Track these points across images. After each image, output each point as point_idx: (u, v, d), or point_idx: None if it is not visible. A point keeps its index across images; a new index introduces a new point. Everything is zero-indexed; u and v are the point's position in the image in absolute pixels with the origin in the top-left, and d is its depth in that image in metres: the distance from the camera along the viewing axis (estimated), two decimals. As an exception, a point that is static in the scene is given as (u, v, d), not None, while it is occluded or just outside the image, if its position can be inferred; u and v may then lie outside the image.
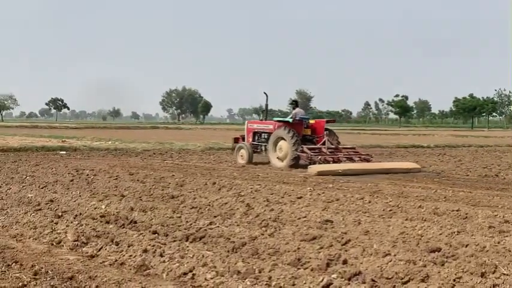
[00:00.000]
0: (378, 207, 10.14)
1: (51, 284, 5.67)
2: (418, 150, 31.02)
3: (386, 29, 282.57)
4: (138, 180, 14.23)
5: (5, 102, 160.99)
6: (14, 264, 6.37)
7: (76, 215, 9.10)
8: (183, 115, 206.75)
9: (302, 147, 19.30)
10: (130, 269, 6.31)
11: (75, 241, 7.35)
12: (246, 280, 5.73)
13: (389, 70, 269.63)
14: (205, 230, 7.98)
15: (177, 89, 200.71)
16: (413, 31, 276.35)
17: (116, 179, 14.42)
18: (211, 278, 5.87)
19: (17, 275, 5.95)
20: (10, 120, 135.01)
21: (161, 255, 6.65)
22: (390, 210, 9.88)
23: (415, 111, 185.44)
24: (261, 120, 22.78)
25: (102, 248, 7.07)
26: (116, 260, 6.61)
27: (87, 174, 15.25)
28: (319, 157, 18.73)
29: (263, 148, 20.97)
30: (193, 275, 6.02)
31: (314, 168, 17.32)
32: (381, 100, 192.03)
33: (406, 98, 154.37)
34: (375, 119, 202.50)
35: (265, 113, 22.77)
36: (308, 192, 12.03)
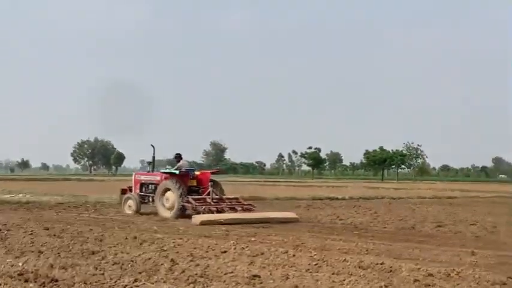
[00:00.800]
0: (304, 261, 10.16)
1: None
2: (334, 202, 31.40)
3: (296, 83, 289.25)
4: (54, 235, 13.76)
5: None
6: None
7: None
8: (95, 166, 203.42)
9: (187, 197, 20.04)
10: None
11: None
12: None
13: (302, 121, 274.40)
14: (131, 287, 7.76)
15: (89, 139, 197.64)
16: (325, 84, 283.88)
17: (31, 234, 13.90)
18: None
19: None
20: None
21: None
22: (316, 264, 9.91)
23: (327, 163, 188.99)
24: (148, 171, 23.24)
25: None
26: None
27: (0, 230, 14.63)
28: (204, 207, 19.51)
29: (150, 199, 21.69)
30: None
31: (198, 218, 18.00)
32: (294, 152, 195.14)
33: (319, 150, 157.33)
34: (288, 171, 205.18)
35: (152, 164, 23.20)
36: (232, 246, 11.94)
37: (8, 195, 30.83)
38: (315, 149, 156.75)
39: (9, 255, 10.38)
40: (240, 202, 21.23)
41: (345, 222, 19.02)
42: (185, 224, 17.32)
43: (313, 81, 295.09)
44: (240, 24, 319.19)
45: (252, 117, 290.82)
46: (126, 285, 7.90)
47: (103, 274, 8.72)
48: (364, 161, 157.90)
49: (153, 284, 8.07)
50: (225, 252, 11.19)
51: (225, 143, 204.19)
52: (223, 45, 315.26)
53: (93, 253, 10.85)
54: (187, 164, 22.46)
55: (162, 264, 9.70)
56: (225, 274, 8.87)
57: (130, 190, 22.88)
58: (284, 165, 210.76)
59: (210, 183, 21.03)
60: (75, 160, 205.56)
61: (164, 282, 8.23)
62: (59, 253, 10.82)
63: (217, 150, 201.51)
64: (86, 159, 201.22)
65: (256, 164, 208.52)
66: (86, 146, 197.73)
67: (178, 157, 22.29)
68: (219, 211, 19.50)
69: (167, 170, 21.96)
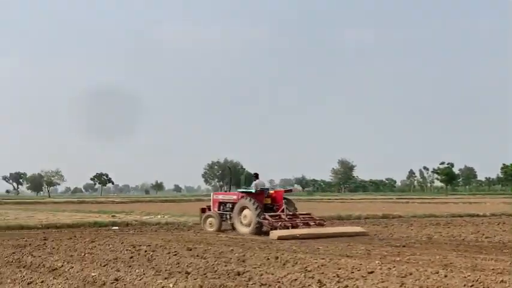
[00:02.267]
0: (458, 283, 9.63)
1: None
2: (475, 219, 30.14)
3: (425, 96, 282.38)
4: (198, 255, 13.95)
5: (52, 178, 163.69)
6: None
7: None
8: (226, 187, 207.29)
9: (264, 214, 21.41)
10: None
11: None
12: None
13: (433, 137, 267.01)
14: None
15: (219, 161, 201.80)
16: (457, 95, 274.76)
17: (176, 254, 14.18)
18: None
19: None
20: (56, 196, 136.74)
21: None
22: (472, 286, 9.37)
23: (460, 179, 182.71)
24: (226, 191, 24.86)
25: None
26: None
27: (145, 251, 15.03)
28: (279, 223, 20.96)
29: (228, 216, 23.07)
30: None
31: (275, 234, 19.42)
32: (426, 168, 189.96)
33: (452, 165, 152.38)
34: (420, 187, 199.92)
35: (229, 185, 25.47)
36: (378, 266, 11.57)
37: (147, 217, 31.86)
38: (448, 164, 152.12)
39: (158, 277, 10.56)
40: (312, 218, 22.67)
41: (492, 240, 18.07)
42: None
43: (443, 92, 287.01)
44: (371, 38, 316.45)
45: (380, 133, 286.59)
46: (277, 307, 7.77)
47: (252, 296, 8.67)
48: (501, 176, 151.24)
49: (304, 305, 7.90)
50: (371, 272, 10.84)
51: (353, 161, 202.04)
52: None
53: (238, 274, 10.84)
54: (263, 183, 23.50)
55: (309, 285, 9.54)
56: (377, 296, 8.56)
57: (209, 209, 24.16)
58: (415, 182, 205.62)
59: (284, 201, 22.38)
60: (206, 181, 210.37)
61: (315, 304, 8.04)
62: (205, 274, 10.90)
63: (346, 168, 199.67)
64: (216, 180, 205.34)
65: (386, 181, 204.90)
66: (216, 167, 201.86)
67: (255, 176, 23.54)
68: (293, 226, 20.96)
69: (243, 189, 23.37)
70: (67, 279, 10.56)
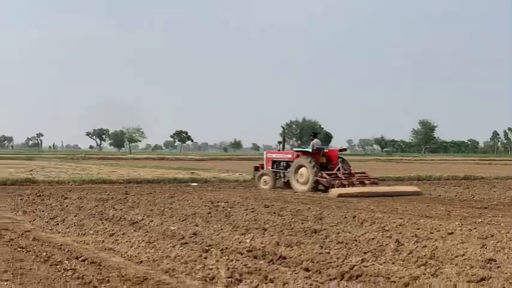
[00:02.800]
0: (542, 245, 9.34)
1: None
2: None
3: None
4: (275, 213, 14.01)
5: (133, 135, 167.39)
6: (171, 301, 6.23)
7: (223, 249, 8.94)
8: (304, 146, 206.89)
9: (321, 173, 22.18)
10: (292, 309, 6.01)
11: (229, 278, 7.14)
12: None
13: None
14: (360, 267, 7.56)
15: (297, 120, 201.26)
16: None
17: (253, 211, 14.28)
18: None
19: (178, 312, 5.79)
20: (137, 153, 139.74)
21: (322, 295, 6.32)
22: (557, 249, 9.06)
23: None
24: (279, 150, 25.35)
25: (257, 286, 6.82)
26: (275, 299, 6.34)
27: (223, 207, 15.20)
28: (337, 181, 21.62)
29: (281, 174, 23.72)
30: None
31: (335, 191, 20.09)
32: (510, 129, 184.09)
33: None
34: (504, 149, 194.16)
35: (283, 144, 25.58)
36: (458, 228, 11.32)
37: (225, 174, 32.20)
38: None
39: (235, 232, 10.67)
40: (367, 176, 23.55)
41: None
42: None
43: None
44: None
45: (463, 93, 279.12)
46: (354, 265, 7.71)
47: (329, 253, 8.63)
48: None
49: (381, 264, 7.82)
50: (451, 233, 10.61)
51: (435, 121, 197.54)
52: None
53: (315, 232, 10.82)
54: (320, 142, 24.07)
55: (387, 244, 9.42)
56: (456, 257, 8.37)
57: (262, 167, 24.87)
58: (499, 143, 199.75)
59: (339, 160, 23.14)
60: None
61: (393, 263, 7.93)
62: (282, 231, 10.93)
63: (427, 129, 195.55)
64: (294, 139, 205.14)
65: (468, 142, 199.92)
66: (294, 126, 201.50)
67: (313, 135, 24.57)
68: (349, 185, 21.65)
69: (301, 149, 24.19)
70: (147, 232, 10.81)
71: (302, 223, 12.05)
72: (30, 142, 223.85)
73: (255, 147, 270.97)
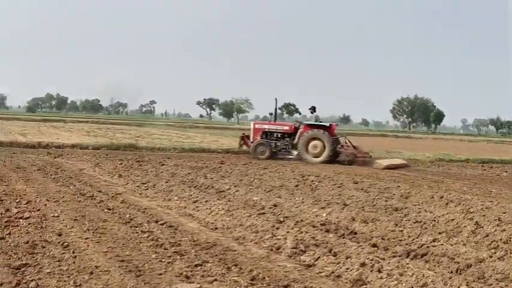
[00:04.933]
0: None
1: (267, 290, 5.66)
2: None
3: None
4: (362, 189, 14.00)
5: (241, 105, 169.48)
6: (233, 267, 6.47)
7: (297, 221, 9.12)
8: (414, 124, 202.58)
9: (342, 145, 23.72)
10: (346, 283, 6.13)
11: (293, 248, 7.34)
12: (469, 307, 5.27)
13: None
14: (428, 247, 7.55)
15: (408, 97, 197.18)
16: None
17: (340, 186, 14.33)
18: (431, 301, 5.50)
19: (235, 278, 6.03)
20: (245, 123, 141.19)
21: (379, 271, 6.39)
22: None
23: None
24: (269, 121, 26.23)
25: (319, 257, 6.98)
26: (333, 272, 6.47)
27: (312, 181, 15.33)
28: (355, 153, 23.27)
29: (272, 145, 24.29)
30: (412, 295, 5.70)
31: (381, 163, 21.91)
32: None
33: None
34: None
35: (275, 115, 26.13)
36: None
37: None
38: None
39: (315, 206, 10.80)
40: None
41: None
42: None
43: None
44: None
45: None
46: (423, 244, 7.70)
47: (402, 231, 8.63)
48: None
49: (452, 245, 7.76)
50: (538, 220, 10.29)
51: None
52: None
53: (396, 210, 10.78)
54: (319, 116, 25.18)
55: (465, 226, 9.26)
56: (533, 243, 8.16)
57: (248, 138, 25.12)
58: None
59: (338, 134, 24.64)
60: (394, 117, 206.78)
61: (464, 244, 7.85)
62: (363, 207, 10.96)
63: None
64: (405, 116, 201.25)
65: None
66: (405, 103, 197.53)
67: (313, 109, 24.97)
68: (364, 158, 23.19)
69: (315, 123, 24.42)
70: (229, 200, 11.14)
71: (386, 200, 11.99)
72: (144, 109, 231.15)
73: (365, 122, 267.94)
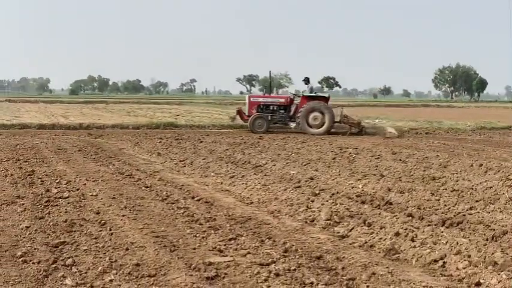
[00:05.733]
0: None
1: (299, 262, 5.69)
2: None
3: None
4: (400, 159, 13.93)
5: (281, 80, 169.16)
6: (267, 240, 6.52)
7: (333, 194, 9.13)
8: (457, 93, 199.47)
9: (346, 115, 24.38)
10: (379, 252, 6.14)
11: (327, 220, 7.36)
12: (502, 273, 5.23)
13: None
14: (464, 215, 7.50)
15: (450, 66, 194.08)
16: None
17: (378, 158, 14.28)
18: (464, 268, 5.48)
19: (268, 251, 6.08)
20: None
21: (412, 240, 6.38)
22: None
23: None
24: (264, 94, 25.79)
25: (353, 228, 7.00)
26: (366, 242, 6.48)
27: (350, 153, 15.29)
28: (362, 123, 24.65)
29: (269, 117, 24.15)
30: (444, 263, 5.69)
31: (393, 132, 22.51)
32: None
33: None
34: None
35: (269, 88, 26.52)
36: None
37: (365, 120, 31.99)
38: None
39: (352, 178, 10.79)
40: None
41: None
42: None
43: None
44: None
45: None
46: (460, 212, 7.65)
47: (438, 200, 8.58)
48: None
49: (488, 213, 7.68)
50: None
51: None
52: None
53: (433, 179, 10.70)
54: (313, 88, 25.64)
55: (503, 193, 9.15)
56: None
57: (243, 112, 24.77)
58: None
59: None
60: (436, 86, 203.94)
61: (501, 211, 7.77)
62: (399, 177, 10.92)
63: None
64: (447, 85, 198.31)
65: None
66: (447, 71, 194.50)
67: (307, 81, 25.02)
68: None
69: (315, 95, 24.93)
70: (265, 175, 11.20)
71: (424, 170, 11.92)
72: (184, 88, 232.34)
73: (406, 93, 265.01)
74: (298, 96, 24.95)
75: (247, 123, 24.25)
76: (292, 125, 24.19)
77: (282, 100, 25.03)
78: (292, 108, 24.50)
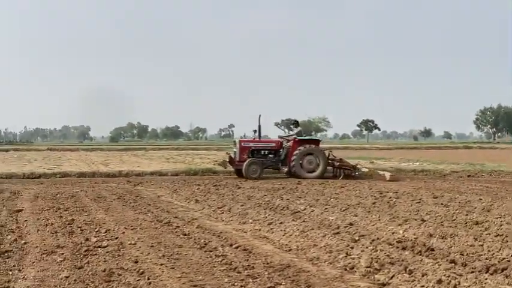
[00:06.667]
0: None
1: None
2: None
3: None
4: (441, 204, 13.68)
5: (319, 124, 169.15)
6: (306, 288, 6.42)
7: (373, 240, 8.98)
8: (499, 134, 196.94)
9: (341, 159, 24.42)
10: (421, 301, 5.98)
11: (367, 267, 7.23)
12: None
13: None
14: (509, 261, 7.28)
15: (492, 106, 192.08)
16: None
17: (419, 202, 14.06)
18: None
19: (308, 299, 5.97)
20: (324, 142, 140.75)
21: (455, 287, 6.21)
22: None
23: None
24: (254, 138, 24.79)
25: (394, 276, 6.85)
26: (407, 290, 6.33)
27: (390, 197, 15.10)
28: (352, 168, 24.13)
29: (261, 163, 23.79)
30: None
31: (387, 175, 22.40)
32: None
33: None
34: None
35: (259, 132, 24.79)
36: None
37: (405, 164, 31.72)
38: None
39: (392, 223, 10.62)
40: None
41: None
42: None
43: None
44: None
45: None
46: (504, 258, 7.44)
47: (482, 245, 8.37)
48: None
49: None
50: None
51: None
52: None
53: (476, 223, 10.46)
54: (302, 131, 25.16)
55: (549, 238, 8.91)
56: None
57: (234, 157, 24.15)
58: None
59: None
60: (478, 128, 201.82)
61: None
62: (441, 222, 10.71)
63: None
64: (489, 126, 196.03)
65: None
66: (489, 112, 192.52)
67: (296, 124, 25.63)
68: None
69: (310, 138, 25.37)
70: (304, 221, 11.09)
71: (466, 214, 11.68)
72: (223, 133, 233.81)
73: (447, 135, 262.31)
74: (287, 140, 24.59)
75: (236, 168, 23.97)
76: (285, 169, 23.86)
77: (273, 144, 24.64)
78: (282, 152, 24.18)
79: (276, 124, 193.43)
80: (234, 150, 24.31)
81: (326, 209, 12.86)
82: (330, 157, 24.17)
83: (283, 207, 13.15)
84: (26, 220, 11.46)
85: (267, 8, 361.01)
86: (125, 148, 68.27)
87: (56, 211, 12.83)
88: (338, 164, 24.22)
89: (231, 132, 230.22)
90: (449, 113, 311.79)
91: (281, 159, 24.07)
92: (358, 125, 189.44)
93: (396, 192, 16.29)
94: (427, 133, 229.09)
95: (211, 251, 8.41)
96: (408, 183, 20.32)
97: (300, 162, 23.34)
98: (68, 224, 10.87)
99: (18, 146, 74.38)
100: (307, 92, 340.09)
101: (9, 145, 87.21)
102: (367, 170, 24.13)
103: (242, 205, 13.66)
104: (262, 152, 24.22)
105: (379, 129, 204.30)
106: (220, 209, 13.12)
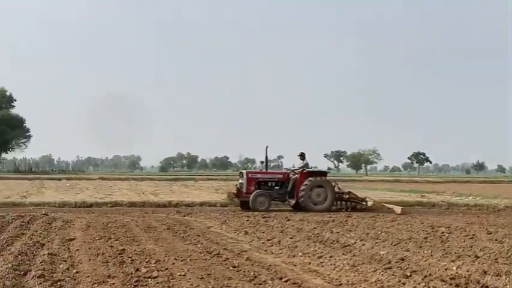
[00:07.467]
0: None
1: None
2: None
3: None
4: (496, 240, 13.38)
5: (369, 156, 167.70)
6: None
7: (425, 276, 8.81)
8: (261, 166, 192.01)
9: (350, 191, 24.57)
10: None
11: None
12: None
13: None
14: None
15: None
16: None
17: (472, 238, 13.77)
18: None
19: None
20: (373, 175, 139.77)
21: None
22: None
23: None
24: (261, 170, 25.43)
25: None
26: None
27: (442, 232, 14.84)
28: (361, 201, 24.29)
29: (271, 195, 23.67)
30: None
31: (398, 209, 22.40)
32: None
33: None
34: None
35: (266, 163, 25.06)
36: None
37: (457, 198, 31.18)
38: None
39: (445, 259, 10.43)
40: None
41: None
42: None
43: None
44: None
45: None
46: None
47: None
48: None
49: None
50: None
51: None
52: None
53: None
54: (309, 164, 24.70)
55: None
56: None
57: (240, 189, 23.93)
58: None
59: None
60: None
61: None
62: (496, 259, 10.47)
63: None
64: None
65: None
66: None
67: (303, 156, 24.64)
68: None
69: (317, 170, 25.22)
70: (354, 255, 10.95)
71: (510, 251, 11.41)
72: (272, 164, 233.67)
73: (501, 169, 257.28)
74: (294, 172, 24.29)
75: (243, 200, 23.70)
76: (292, 201, 23.58)
77: (280, 176, 24.53)
78: (289, 184, 23.87)
79: (325, 156, 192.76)
80: (241, 181, 24.22)
81: (377, 243, 12.70)
82: (337, 190, 24.08)
83: (333, 241, 13.04)
84: (77, 249, 11.58)
85: (313, 36, 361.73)
86: (175, 178, 68.69)
87: (107, 241, 12.95)
88: (347, 196, 24.13)
89: (280, 163, 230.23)
90: (503, 146, 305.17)
91: (288, 191, 23.83)
92: (409, 158, 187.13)
93: (449, 227, 16.00)
94: (480, 166, 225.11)
95: (260, 284, 8.38)
96: (461, 218, 19.94)
97: (309, 194, 23.16)
98: (119, 253, 10.96)
99: (70, 175, 75.45)
100: (358, 123, 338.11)
101: (61, 174, 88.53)
102: (373, 202, 24.19)
103: (291, 237, 13.58)
104: (269, 184, 24.13)
105: (431, 162, 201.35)
106: (270, 241, 13.05)
